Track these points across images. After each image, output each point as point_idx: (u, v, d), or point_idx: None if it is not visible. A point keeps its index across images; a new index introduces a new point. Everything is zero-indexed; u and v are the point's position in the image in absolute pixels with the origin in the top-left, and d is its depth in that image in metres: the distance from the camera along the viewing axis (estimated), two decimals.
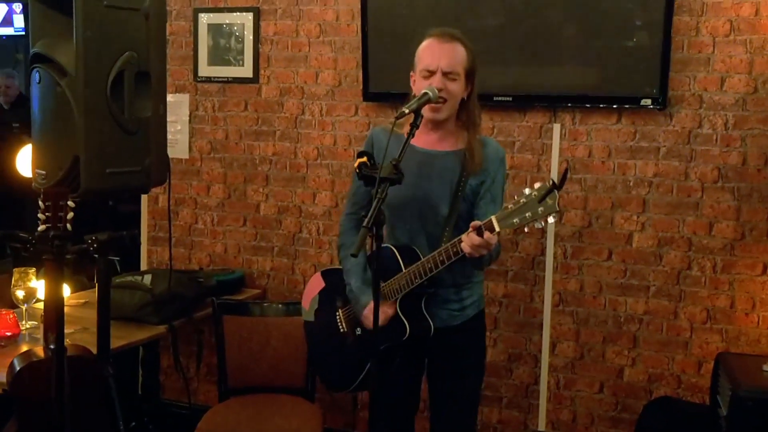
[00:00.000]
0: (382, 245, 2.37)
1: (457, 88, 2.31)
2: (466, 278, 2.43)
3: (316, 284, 2.64)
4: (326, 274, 2.63)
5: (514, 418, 3.49)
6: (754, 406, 2.55)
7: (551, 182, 2.03)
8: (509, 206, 2.09)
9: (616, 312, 3.31)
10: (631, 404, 3.30)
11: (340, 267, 2.53)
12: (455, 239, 2.18)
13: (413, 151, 2.33)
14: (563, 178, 2.08)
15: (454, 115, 2.37)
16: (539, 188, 2.05)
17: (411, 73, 2.39)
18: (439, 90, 2.25)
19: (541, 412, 3.43)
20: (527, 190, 2.07)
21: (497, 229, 2.09)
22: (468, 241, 2.11)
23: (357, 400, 3.70)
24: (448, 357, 2.44)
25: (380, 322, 2.19)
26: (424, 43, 2.34)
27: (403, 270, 2.30)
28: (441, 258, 2.21)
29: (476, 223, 2.12)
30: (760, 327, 3.12)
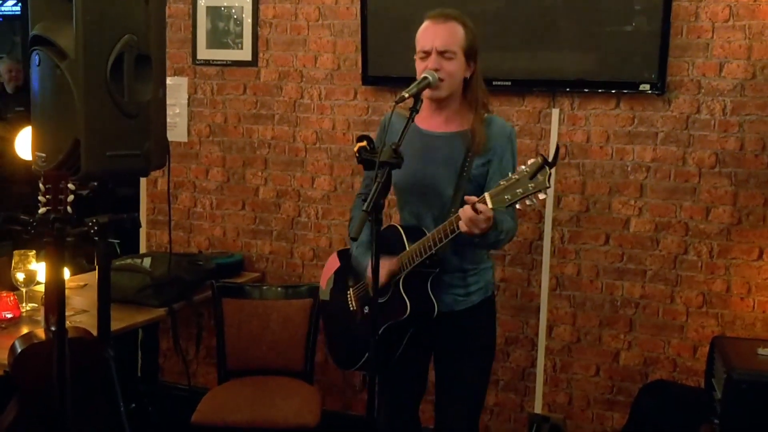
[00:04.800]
0: (391, 225, 2.39)
1: (455, 67, 2.30)
2: (474, 264, 2.42)
3: (332, 264, 2.66)
4: (342, 255, 2.65)
5: (511, 401, 3.52)
6: (748, 389, 2.58)
7: (542, 158, 2.03)
8: (502, 183, 2.08)
9: (612, 296, 3.33)
10: (627, 387, 3.33)
11: None
12: (453, 217, 2.19)
13: (418, 134, 2.34)
14: (555, 155, 2.08)
15: (459, 95, 2.37)
16: (531, 164, 2.04)
17: (415, 57, 2.39)
18: (436, 70, 2.25)
19: (537, 394, 3.46)
20: (520, 167, 2.07)
21: (490, 205, 2.09)
22: (463, 216, 2.11)
23: (359, 381, 3.73)
24: (454, 340, 2.44)
25: (381, 277, 2.19)
26: (422, 26, 2.35)
27: (407, 249, 2.32)
28: (439, 236, 2.22)
29: (471, 198, 2.12)
30: (755, 311, 3.14)
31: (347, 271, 2.57)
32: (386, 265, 2.31)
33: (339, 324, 2.60)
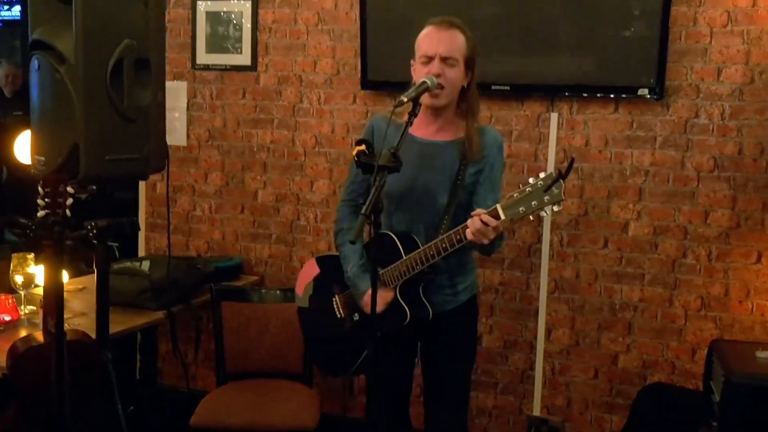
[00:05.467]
0: (381, 232, 2.40)
1: (456, 74, 2.32)
2: (461, 266, 2.46)
3: (310, 270, 2.65)
4: (321, 261, 2.65)
5: (510, 404, 3.52)
6: (746, 392, 2.58)
7: (557, 171, 2.05)
8: (515, 195, 2.10)
9: (611, 299, 3.33)
10: (626, 390, 3.33)
11: (336, 253, 2.55)
12: (459, 227, 2.19)
13: (413, 142, 2.34)
14: (569, 168, 2.10)
15: (454, 104, 2.38)
16: (545, 177, 2.06)
17: (411, 62, 2.40)
18: (437, 76, 2.26)
19: (536, 397, 3.46)
20: (532, 180, 2.09)
21: (503, 217, 2.10)
22: (473, 227, 2.13)
23: (354, 385, 3.73)
24: (441, 340, 2.47)
25: (379, 308, 2.21)
26: (424, 31, 2.36)
27: (404, 257, 2.32)
28: (444, 245, 2.23)
29: (480, 211, 2.14)
30: (753, 314, 3.15)
31: (331, 278, 2.56)
32: (383, 296, 2.32)
33: (324, 331, 2.59)
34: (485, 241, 2.13)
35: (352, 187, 2.54)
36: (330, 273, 2.56)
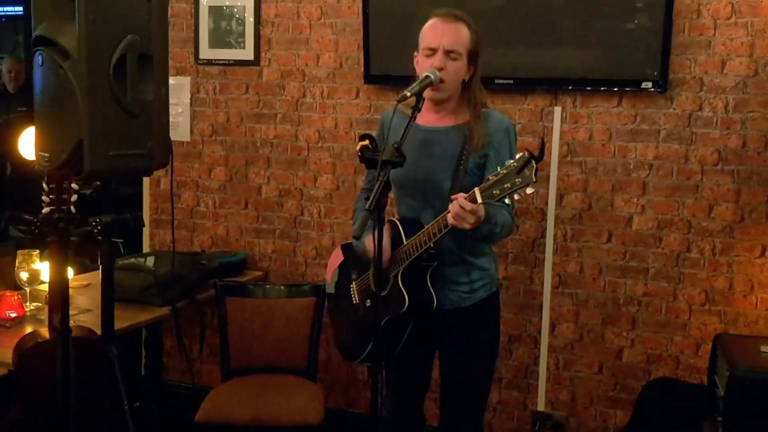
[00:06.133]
0: (389, 219, 2.40)
1: (458, 67, 2.31)
2: (475, 256, 2.42)
3: (336, 258, 2.69)
4: (345, 248, 2.68)
5: (514, 399, 3.53)
6: (751, 386, 2.57)
7: (528, 153, 2.03)
8: (491, 177, 2.08)
9: (615, 294, 3.33)
10: (630, 385, 3.33)
11: None
12: (446, 212, 2.18)
13: (416, 129, 2.34)
14: (542, 150, 2.08)
15: (457, 95, 2.38)
16: (518, 159, 2.04)
17: (415, 54, 2.39)
18: (440, 69, 2.26)
19: (540, 392, 3.46)
20: (508, 161, 2.07)
21: (479, 200, 2.08)
22: (452, 211, 2.11)
23: (365, 375, 3.74)
24: (459, 337, 2.45)
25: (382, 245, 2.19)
26: (428, 23, 2.35)
27: (404, 243, 2.33)
28: (433, 230, 2.23)
29: (458, 195, 2.13)
30: (758, 308, 3.14)
31: (351, 264, 2.59)
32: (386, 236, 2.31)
33: (344, 317, 2.64)
34: (466, 226, 2.11)
35: (368, 177, 2.58)
36: (351, 260, 2.59)
